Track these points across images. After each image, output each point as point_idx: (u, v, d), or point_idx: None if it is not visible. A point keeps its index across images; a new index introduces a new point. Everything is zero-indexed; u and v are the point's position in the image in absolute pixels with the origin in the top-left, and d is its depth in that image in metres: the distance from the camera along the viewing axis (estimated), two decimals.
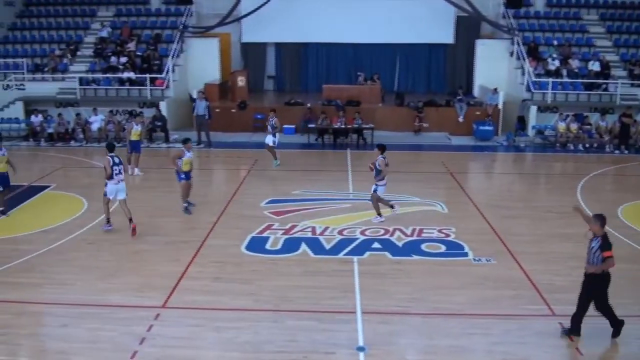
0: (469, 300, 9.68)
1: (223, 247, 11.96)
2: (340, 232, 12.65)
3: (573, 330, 8.47)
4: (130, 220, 12.66)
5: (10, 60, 26.01)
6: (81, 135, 22.65)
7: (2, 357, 8.31)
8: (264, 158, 19.42)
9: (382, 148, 13.40)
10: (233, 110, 23.61)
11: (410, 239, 12.34)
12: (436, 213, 14.21)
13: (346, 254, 11.54)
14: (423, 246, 11.97)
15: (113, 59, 24.90)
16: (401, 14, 26.39)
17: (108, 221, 13.07)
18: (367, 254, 11.56)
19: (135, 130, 17.67)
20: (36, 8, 29.49)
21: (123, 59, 24.75)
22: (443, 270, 10.91)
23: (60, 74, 25.17)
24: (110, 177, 12.71)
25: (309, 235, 12.52)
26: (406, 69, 29.07)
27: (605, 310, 8.38)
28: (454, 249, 11.84)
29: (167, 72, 23.95)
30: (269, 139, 18.43)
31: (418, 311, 9.30)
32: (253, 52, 28.81)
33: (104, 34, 26.55)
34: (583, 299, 8.35)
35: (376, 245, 12.00)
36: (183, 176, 14.12)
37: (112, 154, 12.92)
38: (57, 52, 26.22)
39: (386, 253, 11.62)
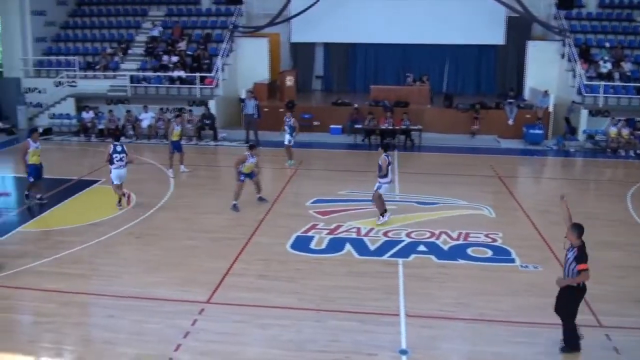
0: (515, 308, 9.51)
1: (268, 245, 12.07)
2: (385, 234, 12.61)
3: (572, 347, 8.16)
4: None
5: (62, 58, 26.76)
6: (131, 132, 23.13)
7: (48, 344, 8.59)
8: (310, 158, 19.56)
9: (386, 147, 13.56)
10: (281, 110, 23.69)
11: (456, 242, 12.21)
12: (483, 217, 14.03)
13: (391, 256, 11.51)
14: (469, 250, 11.82)
15: (165, 58, 25.34)
16: (451, 14, 26.15)
17: (120, 201, 14.36)
18: (413, 256, 11.49)
19: (176, 131, 17.90)
20: (88, 7, 30.19)
21: (174, 58, 25.17)
22: (489, 276, 10.76)
23: (112, 71, 25.78)
24: (111, 163, 14.21)
25: (354, 235, 12.52)
26: (455, 70, 28.77)
27: (568, 320, 8.10)
28: (501, 255, 11.66)
29: (217, 71, 24.28)
30: (286, 139, 18.70)
31: (462, 316, 9.19)
32: (302, 52, 28.97)
33: (155, 33, 27.06)
34: (567, 314, 8.08)
35: (422, 248, 11.91)
36: (243, 178, 14.47)
37: (116, 143, 14.49)
38: (109, 51, 26.87)
39: (432, 256, 11.53)
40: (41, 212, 14.50)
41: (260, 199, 14.93)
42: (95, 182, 16.97)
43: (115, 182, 14.27)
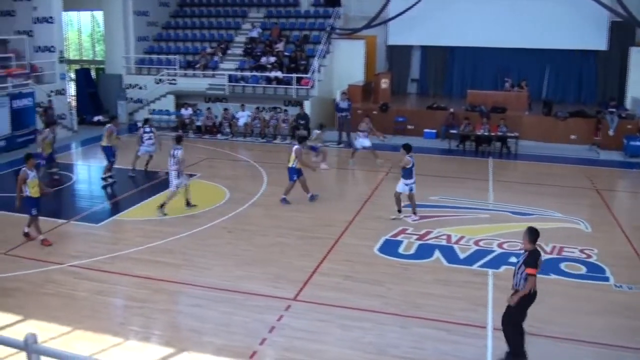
0: (605, 329, 9.00)
1: (356, 247, 12.07)
2: (476, 243, 12.30)
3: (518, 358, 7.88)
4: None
5: (163, 57, 27.89)
6: (228, 129, 23.75)
7: (137, 328, 8.98)
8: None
9: (408, 148, 13.70)
10: (375, 112, 23.70)
11: (549, 256, 11.70)
12: (578, 231, 13.41)
13: (481, 266, 11.22)
14: (562, 265, 11.33)
15: (263, 58, 25.84)
16: (552, 18, 25.11)
17: (133, 169, 17.25)
18: (503, 267, 11.11)
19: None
20: (189, 8, 31.28)
21: (271, 59, 25.63)
22: (581, 294, 10.27)
23: (211, 70, 26.52)
24: (142, 142, 17.47)
25: (444, 243, 12.32)
26: (555, 76, 27.47)
27: (514, 329, 7.85)
28: (595, 272, 11.09)
29: (313, 72, 24.53)
30: (367, 142, 18.82)
31: (550, 334, 8.81)
32: (398, 55, 28.77)
33: (254, 34, 27.64)
34: (510, 323, 7.87)
35: (513, 259, 11.37)
36: (295, 177, 14.87)
37: (146, 126, 17.59)
38: (209, 50, 27.69)
39: None
40: (138, 203, 15.13)
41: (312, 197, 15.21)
42: (191, 176, 17.49)
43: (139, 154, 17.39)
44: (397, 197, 13.82)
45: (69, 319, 9.16)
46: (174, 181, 14.16)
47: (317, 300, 9.74)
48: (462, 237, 12.58)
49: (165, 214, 13.88)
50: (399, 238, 12.57)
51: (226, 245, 12.25)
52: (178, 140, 14.60)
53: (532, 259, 7.64)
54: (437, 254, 11.73)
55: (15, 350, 4.21)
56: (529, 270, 7.57)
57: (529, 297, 7.73)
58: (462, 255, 11.71)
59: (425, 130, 23.11)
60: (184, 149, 14.34)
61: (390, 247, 12.06)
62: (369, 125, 19.12)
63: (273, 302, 9.67)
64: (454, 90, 28.27)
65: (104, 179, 17.03)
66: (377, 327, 8.89)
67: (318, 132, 18.61)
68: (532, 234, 7.72)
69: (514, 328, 7.91)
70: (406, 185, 13.67)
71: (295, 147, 15.07)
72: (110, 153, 16.89)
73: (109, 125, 17.19)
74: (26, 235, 12.44)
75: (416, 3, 25.33)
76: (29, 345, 3.85)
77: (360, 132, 19.07)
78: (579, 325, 9.09)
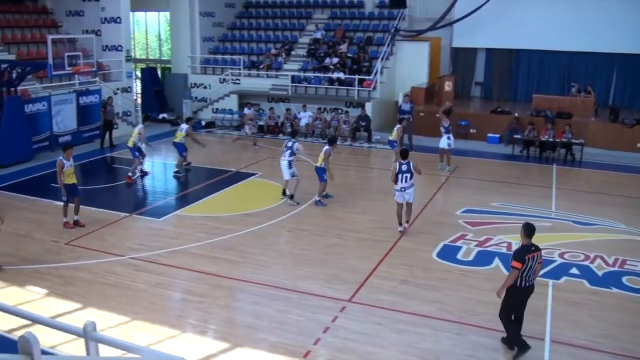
0: None
1: (414, 251, 11.94)
2: None
3: (520, 348, 8.11)
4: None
5: (228, 57, 28.31)
6: (289, 129, 23.85)
7: (195, 321, 9.14)
8: (465, 165, 19.14)
9: (404, 154, 13.17)
10: (437, 115, 23.36)
11: (611, 269, 11.26)
12: None
13: (541, 276, 10.77)
14: (624, 279, 10.84)
15: (326, 59, 25.89)
16: (620, 20, 24.05)
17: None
18: (564, 278, 10.79)
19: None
20: (255, 9, 31.63)
21: (334, 60, 25.65)
22: None
23: (274, 71, 26.78)
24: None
25: (504, 250, 11.99)
26: (623, 81, 26.15)
27: (506, 322, 8.20)
28: None
29: (376, 73, 24.42)
30: (444, 142, 18.50)
31: (608, 349, 8.46)
32: (462, 57, 28.30)
33: (318, 35, 27.71)
34: (502, 314, 8.22)
35: (574, 271, 11.14)
36: (325, 177, 14.87)
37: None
38: (273, 51, 27.95)
39: (584, 281, 10.72)
40: (199, 199, 15.38)
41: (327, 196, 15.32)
42: (252, 175, 17.70)
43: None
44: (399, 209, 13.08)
45: (128, 309, 9.41)
46: (287, 170, 15.00)
47: (373, 302, 9.68)
48: None
49: (297, 203, 14.82)
50: (458, 244, 12.36)
51: (284, 244, 12.33)
52: (294, 134, 16.15)
53: (519, 252, 7.98)
54: (496, 261, 11.45)
55: (73, 337, 4.30)
56: (514, 263, 7.86)
57: (521, 291, 8.01)
58: None
59: (489, 134, 22.68)
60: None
61: (448, 253, 11.87)
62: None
63: (328, 303, 9.66)
64: (519, 94, 27.58)
65: (177, 171, 17.61)
66: (432, 333, 8.77)
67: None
68: (526, 229, 8.07)
69: (506, 318, 8.22)
70: (395, 191, 12.94)
71: (326, 148, 15.04)
72: (182, 148, 17.42)
73: (185, 125, 17.83)
74: (75, 222, 13.29)
75: (482, 5, 24.85)
76: (87, 333, 3.92)
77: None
78: (638, 343, 8.69)
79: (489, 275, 10.83)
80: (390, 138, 18.98)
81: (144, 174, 17.65)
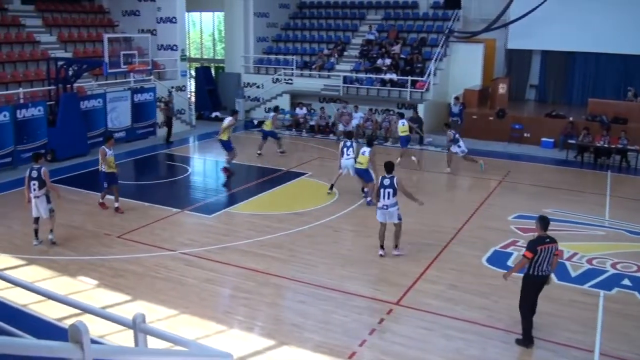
0: None
1: (463, 256, 11.76)
2: (589, 261, 11.59)
3: (525, 340, 8.39)
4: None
5: (281, 57, 28.51)
6: (340, 130, 23.83)
7: (242, 317, 9.23)
8: (518, 170, 18.81)
9: (388, 167, 11.72)
10: (491, 118, 23.04)
11: None
12: None
13: (592, 286, 10.54)
14: None
15: (379, 60, 25.80)
16: None
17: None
18: (615, 290, 10.41)
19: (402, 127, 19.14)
20: (308, 10, 31.77)
21: (387, 61, 25.53)
22: None
23: (327, 71, 26.83)
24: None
25: None
26: None
27: (521, 311, 8.43)
28: None
29: (429, 75, 24.20)
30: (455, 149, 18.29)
31: None
32: (517, 60, 27.74)
33: (371, 36, 27.63)
34: (522, 305, 8.46)
35: (626, 282, 10.72)
36: (373, 177, 14.79)
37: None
38: (325, 52, 28.03)
39: (636, 293, 10.31)
40: (250, 197, 15.50)
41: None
42: (302, 174, 17.75)
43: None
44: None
45: (177, 303, 9.55)
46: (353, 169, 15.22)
47: (420, 306, 9.57)
48: (574, 254, 11.92)
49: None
50: (508, 250, 12.11)
51: (332, 244, 12.30)
52: (349, 135, 16.63)
53: (531, 243, 8.27)
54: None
55: (122, 327, 4.36)
56: (526, 253, 8.18)
57: (532, 279, 8.27)
58: (573, 274, 11.07)
59: (543, 139, 22.17)
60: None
61: (499, 259, 11.64)
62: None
63: (375, 305, 9.61)
64: (574, 98, 26.87)
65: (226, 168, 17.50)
66: (480, 341, 8.61)
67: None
68: (541, 222, 8.39)
69: (520, 311, 8.46)
70: (377, 209, 11.74)
71: (368, 149, 14.95)
72: (229, 145, 17.34)
73: (229, 117, 17.59)
74: (116, 209, 14.07)
75: (538, 6, 24.27)
76: (137, 325, 3.97)
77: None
78: None
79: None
80: (401, 133, 19.20)
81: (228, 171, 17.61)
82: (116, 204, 14.09)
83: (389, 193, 11.35)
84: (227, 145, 17.27)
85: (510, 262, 11.45)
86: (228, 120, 17.32)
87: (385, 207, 11.40)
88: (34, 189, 11.65)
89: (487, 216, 14.33)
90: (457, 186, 18.40)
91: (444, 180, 18.52)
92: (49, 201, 11.80)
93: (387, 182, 11.40)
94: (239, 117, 26.50)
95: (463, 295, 10.05)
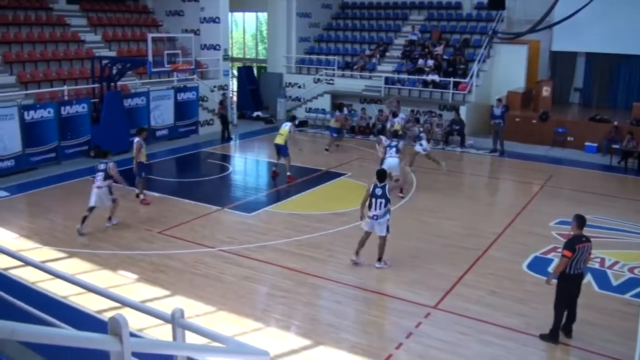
0: None
1: (503, 261, 11.57)
2: (631, 270, 11.25)
3: (552, 337, 8.48)
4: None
5: (323, 57, 28.56)
6: (380, 129, 23.75)
7: (279, 316, 9.27)
8: (560, 174, 18.45)
9: (380, 176, 11.15)
10: (534, 121, 22.66)
11: None
12: None
13: (633, 296, 10.23)
14: None
15: (420, 61, 25.65)
16: None
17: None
18: None
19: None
20: (351, 10, 31.73)
21: (430, 62, 25.35)
22: None
23: (368, 72, 26.77)
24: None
25: (597, 266, 11.38)
26: None
27: (555, 308, 8.48)
28: None
29: (472, 76, 23.95)
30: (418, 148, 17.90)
31: None
32: (562, 62, 27.14)
33: (414, 37, 27.46)
34: (557, 305, 8.53)
35: None
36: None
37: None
38: (367, 52, 27.98)
39: None
40: (289, 197, 15.56)
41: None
42: (342, 175, 17.74)
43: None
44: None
45: (215, 299, 9.65)
46: (398, 167, 15.23)
47: (458, 311, 9.46)
48: (616, 262, 11.60)
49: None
50: (549, 256, 11.86)
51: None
52: (395, 134, 16.68)
53: (569, 242, 8.32)
54: (588, 277, 10.84)
55: (161, 322, 4.42)
56: (565, 252, 8.21)
57: (571, 278, 8.33)
58: (615, 282, 10.78)
59: (586, 143, 21.70)
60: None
61: (539, 265, 11.41)
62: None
63: (412, 308, 9.54)
64: (619, 101, 26.12)
65: (289, 175, 17.23)
66: (518, 348, 8.45)
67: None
68: (577, 220, 8.44)
69: (555, 309, 8.50)
70: (366, 217, 11.13)
71: (400, 142, 15.86)
72: (285, 150, 17.02)
73: (289, 123, 17.46)
74: (138, 196, 14.86)
75: (583, 7, 23.69)
76: (175, 319, 4.02)
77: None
78: None
79: (580, 291, 10.32)
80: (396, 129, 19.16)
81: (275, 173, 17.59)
82: (142, 196, 14.86)
83: (381, 203, 10.76)
84: (283, 150, 17.00)
85: (550, 269, 11.21)
86: (288, 126, 17.19)
87: (375, 217, 10.82)
88: (99, 180, 12.59)
89: (528, 221, 14.09)
90: (498, 190, 18.17)
91: (485, 184, 18.32)
92: (110, 192, 12.80)
93: (379, 191, 10.81)
94: (279, 117, 26.79)
95: (502, 301, 9.89)
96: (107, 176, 12.61)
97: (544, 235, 13.05)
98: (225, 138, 22.94)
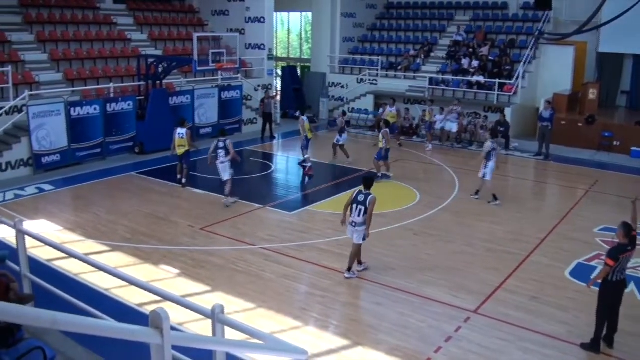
0: None
1: (546, 267, 11.35)
2: None
3: (593, 346, 8.33)
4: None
5: (366, 57, 28.50)
6: (424, 132, 23.56)
7: (317, 315, 9.27)
8: (606, 180, 18.01)
9: (366, 182, 10.59)
10: (580, 124, 22.18)
11: None
12: None
13: None
14: None
15: (464, 61, 25.37)
16: None
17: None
18: None
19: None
20: (396, 11, 31.56)
21: (475, 63, 25.06)
22: None
23: (412, 73, 26.59)
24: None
25: None
26: None
27: (598, 318, 8.32)
28: None
29: (517, 78, 23.57)
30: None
31: None
32: (609, 64, 26.35)
33: (459, 37, 27.18)
34: (599, 312, 8.37)
35: None
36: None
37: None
38: (412, 53, 27.81)
39: None
40: (330, 196, 15.57)
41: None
42: (384, 176, 17.62)
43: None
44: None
45: (255, 296, 9.72)
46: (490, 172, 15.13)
47: (499, 317, 9.31)
48: None
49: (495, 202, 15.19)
50: (593, 263, 11.57)
51: (411, 248, 12.17)
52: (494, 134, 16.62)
53: (614, 250, 8.17)
54: (632, 286, 10.48)
55: (201, 317, 4.47)
56: (608, 261, 8.06)
57: (611, 288, 8.17)
58: None
59: (633, 148, 21.05)
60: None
61: (582, 272, 11.12)
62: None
63: (452, 312, 9.43)
64: None
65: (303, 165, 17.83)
66: (559, 357, 8.26)
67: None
68: (624, 228, 8.19)
69: (597, 316, 8.37)
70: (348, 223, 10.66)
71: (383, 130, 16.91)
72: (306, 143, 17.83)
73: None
74: (180, 182, 16.11)
75: (631, 8, 22.92)
76: (215, 315, 4.06)
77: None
78: None
79: (622, 301, 10.04)
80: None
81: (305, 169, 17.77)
82: (184, 180, 16.02)
83: (360, 210, 10.27)
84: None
85: (593, 276, 10.96)
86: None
87: (353, 224, 10.39)
88: (222, 156, 14.33)
89: (572, 227, 13.79)
90: (542, 194, 17.84)
91: (530, 188, 18.03)
92: (231, 167, 14.52)
93: (361, 197, 10.33)
94: (322, 116, 26.85)
95: (543, 307, 9.69)
96: (228, 152, 14.26)
97: (587, 241, 12.76)
98: (267, 136, 23.07)
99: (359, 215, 10.30)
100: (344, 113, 19.47)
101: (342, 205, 10.90)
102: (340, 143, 19.00)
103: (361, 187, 10.52)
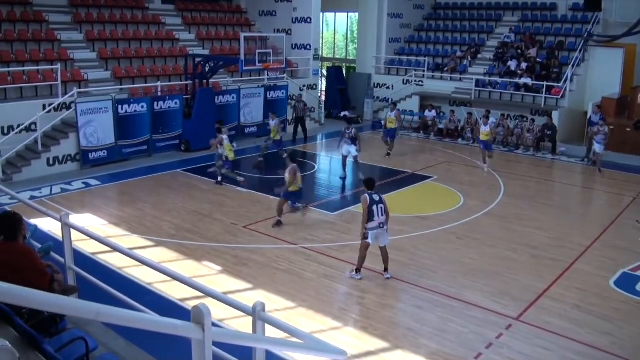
0: None
1: (590, 275, 11.10)
2: None
3: None
4: None
5: (413, 58, 28.35)
6: (469, 135, 23.33)
7: (357, 316, 9.29)
8: None
9: (368, 184, 10.76)
10: (628, 130, 21.64)
11: None
12: None
13: None
14: None
15: (511, 63, 25.02)
16: None
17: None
18: None
19: (484, 131, 18.74)
20: (443, 11, 31.33)
21: (523, 65, 24.69)
22: None
23: (459, 74, 26.36)
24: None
25: None
26: None
27: None
28: None
29: (565, 81, 23.14)
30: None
31: None
32: None
33: (507, 39, 26.82)
34: None
35: None
36: None
37: None
38: (459, 54, 27.55)
39: None
40: None
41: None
42: (428, 178, 17.56)
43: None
44: (362, 247, 10.70)
45: (295, 295, 9.78)
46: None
47: (541, 325, 9.16)
48: None
49: None
50: (638, 273, 11.26)
51: (453, 251, 12.07)
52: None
53: None
54: None
55: (242, 314, 4.53)
56: None
57: None
58: None
59: None
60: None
61: (628, 282, 10.86)
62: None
63: (494, 318, 9.32)
64: None
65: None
66: None
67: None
68: None
69: None
70: (368, 231, 10.44)
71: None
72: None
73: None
74: (219, 183, 16.28)
75: None
76: (256, 312, 4.12)
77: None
78: None
79: None
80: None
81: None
82: (219, 178, 16.29)
83: (381, 209, 10.27)
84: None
85: (639, 287, 10.73)
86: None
87: (381, 225, 10.28)
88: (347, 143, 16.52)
89: (617, 235, 13.45)
90: (588, 200, 17.48)
91: (576, 194, 17.69)
92: (356, 145, 16.58)
93: (377, 197, 10.37)
94: (366, 117, 26.82)
95: (586, 317, 9.48)
96: (354, 140, 15.90)
97: (633, 250, 12.41)
98: (301, 138, 22.86)
99: (382, 214, 10.29)
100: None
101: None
102: (354, 155, 17.42)
103: (367, 191, 10.54)
